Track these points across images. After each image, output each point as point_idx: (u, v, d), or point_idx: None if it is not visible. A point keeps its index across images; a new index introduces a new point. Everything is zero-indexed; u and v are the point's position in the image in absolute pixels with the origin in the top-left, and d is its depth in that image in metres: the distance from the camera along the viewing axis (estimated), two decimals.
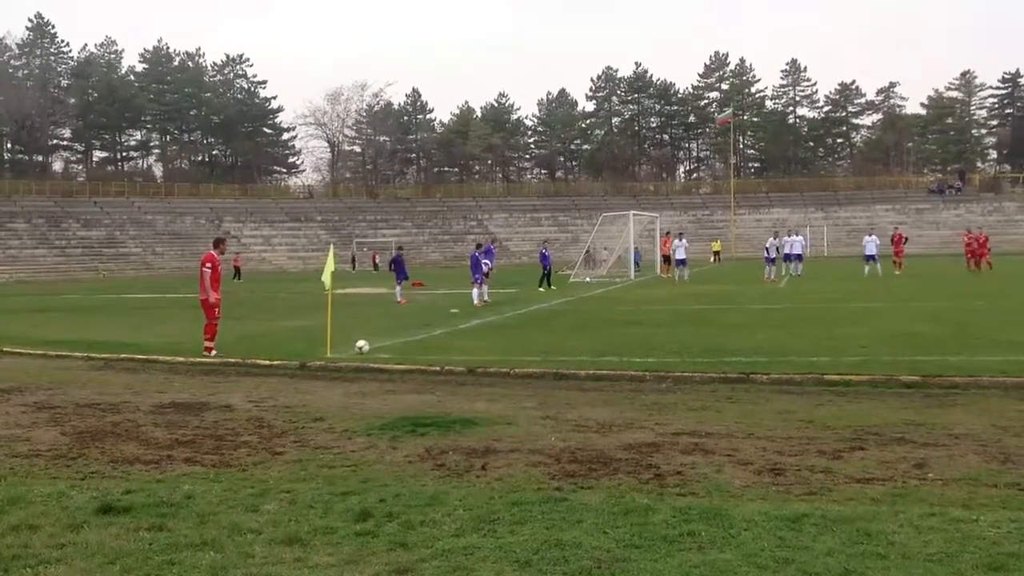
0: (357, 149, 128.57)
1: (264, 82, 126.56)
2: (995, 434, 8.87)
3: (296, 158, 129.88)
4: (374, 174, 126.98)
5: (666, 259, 47.18)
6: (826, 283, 36.19)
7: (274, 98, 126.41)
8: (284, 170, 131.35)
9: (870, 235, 42.68)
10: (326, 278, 17.02)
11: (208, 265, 17.11)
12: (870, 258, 40.89)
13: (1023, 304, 23.34)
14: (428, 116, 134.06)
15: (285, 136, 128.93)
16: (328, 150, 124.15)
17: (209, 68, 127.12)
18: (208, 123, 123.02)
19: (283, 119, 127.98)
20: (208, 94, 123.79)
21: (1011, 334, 16.57)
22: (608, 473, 7.67)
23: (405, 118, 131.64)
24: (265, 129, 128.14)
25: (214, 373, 14.85)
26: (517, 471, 7.79)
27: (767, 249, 41.97)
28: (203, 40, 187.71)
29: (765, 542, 5.68)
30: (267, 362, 15.60)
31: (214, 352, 16.56)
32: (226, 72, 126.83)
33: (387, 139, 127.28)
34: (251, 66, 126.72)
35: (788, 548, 5.56)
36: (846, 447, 8.41)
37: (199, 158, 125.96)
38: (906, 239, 44.95)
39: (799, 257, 44.20)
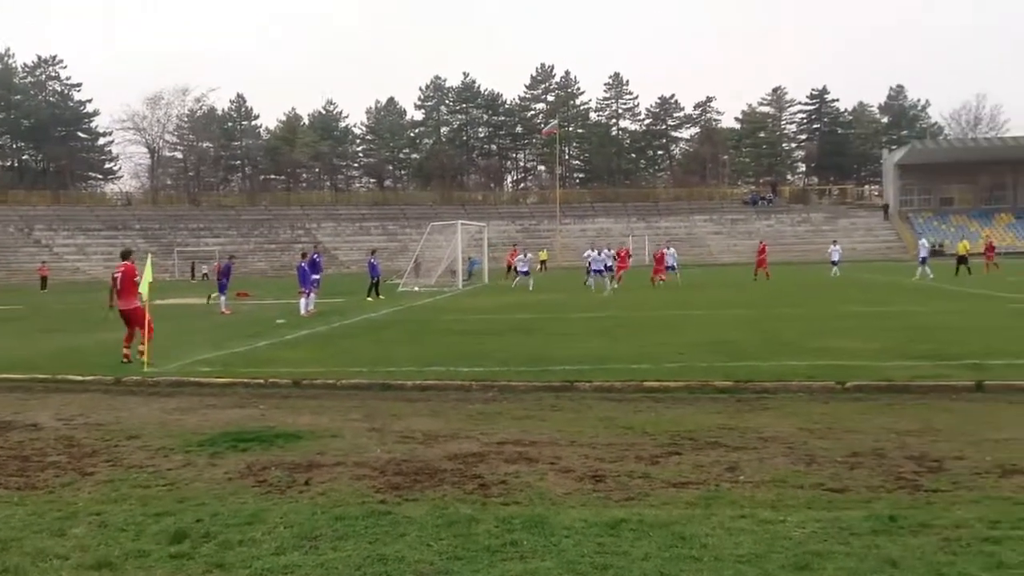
0: (178, 155, 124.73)
1: (79, 85, 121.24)
2: (802, 437, 9.31)
3: (113, 164, 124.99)
4: (196, 181, 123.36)
5: (511, 268, 49.39)
6: (649, 292, 37.23)
7: (89, 101, 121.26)
8: (100, 176, 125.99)
9: (669, 248, 45.16)
10: (144, 289, 16.44)
11: (137, 277, 16.89)
12: (670, 268, 43.65)
13: (828, 311, 24.58)
14: (253, 122, 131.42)
15: (101, 141, 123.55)
16: (148, 156, 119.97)
17: (19, 69, 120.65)
18: (17, 127, 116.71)
19: (99, 123, 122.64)
20: (18, 96, 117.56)
21: (817, 340, 17.44)
22: (433, 484, 7.68)
23: (229, 124, 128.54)
24: (80, 134, 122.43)
25: (20, 389, 14.10)
26: (341, 485, 7.71)
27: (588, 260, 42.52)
28: (12, 40, 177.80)
29: (585, 549, 5.80)
30: (79, 377, 14.91)
31: (137, 359, 16.13)
32: (38, 74, 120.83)
33: (210, 145, 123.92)
34: (64, 68, 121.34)
35: (607, 554, 5.70)
36: (663, 452, 8.68)
37: (8, 163, 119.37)
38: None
39: (611, 268, 44.25)
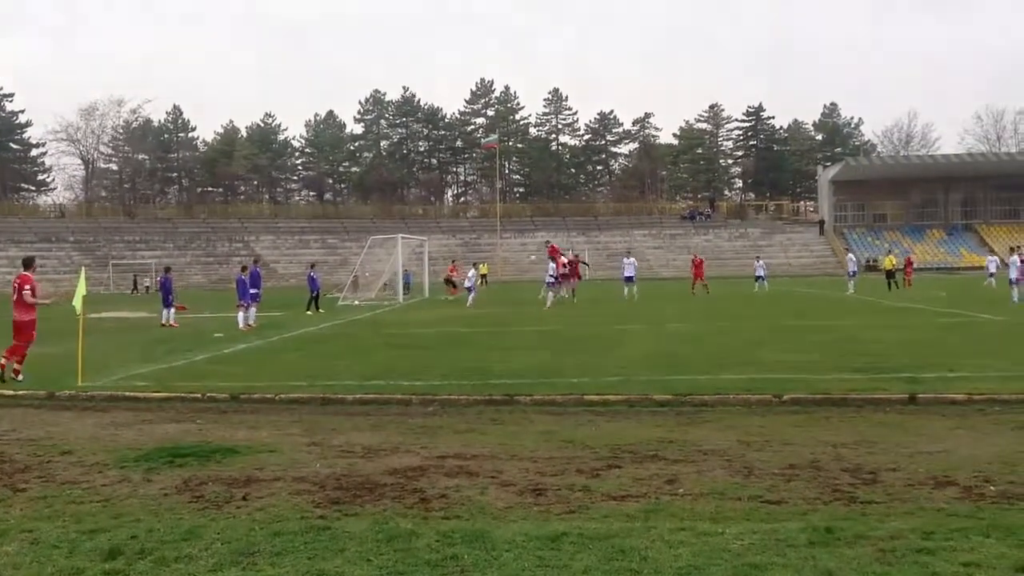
0: (114, 167, 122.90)
1: (11, 95, 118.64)
2: (740, 449, 9.40)
3: (46, 175, 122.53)
4: (132, 193, 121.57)
5: (449, 282, 49.73)
6: (589, 305, 37.40)
7: (22, 112, 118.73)
8: (33, 188, 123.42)
9: (628, 257, 44.84)
10: (77, 302, 16.15)
11: (28, 287, 16.54)
12: (628, 279, 42.72)
13: (766, 325, 24.90)
14: (190, 134, 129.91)
15: (34, 152, 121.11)
16: (82, 167, 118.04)
17: None
18: None
19: (32, 134, 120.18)
20: None
21: (754, 353, 17.66)
22: (373, 499, 7.62)
23: (165, 136, 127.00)
24: (12, 144, 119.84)
25: None
26: (280, 500, 7.62)
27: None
28: None
29: (526, 562, 5.79)
30: (10, 392, 14.59)
31: (21, 376, 15.88)
32: None
33: (146, 157, 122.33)
34: None
35: (547, 567, 5.70)
36: (604, 465, 8.70)
37: None
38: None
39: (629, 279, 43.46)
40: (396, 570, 5.70)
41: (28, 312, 16.61)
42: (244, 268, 30.53)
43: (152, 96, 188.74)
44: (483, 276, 73.56)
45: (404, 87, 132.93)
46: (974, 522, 6.56)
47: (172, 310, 30.60)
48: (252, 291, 29.22)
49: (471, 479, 8.26)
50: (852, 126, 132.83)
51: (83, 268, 19.87)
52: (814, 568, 5.62)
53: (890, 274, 48.22)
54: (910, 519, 6.71)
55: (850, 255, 50.49)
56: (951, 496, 7.42)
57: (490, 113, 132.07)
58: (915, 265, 52.10)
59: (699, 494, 7.61)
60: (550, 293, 37.99)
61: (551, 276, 38.53)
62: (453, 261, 55.71)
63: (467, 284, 42.72)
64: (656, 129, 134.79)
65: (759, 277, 50.97)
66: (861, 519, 6.76)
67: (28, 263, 17.52)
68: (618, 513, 7.06)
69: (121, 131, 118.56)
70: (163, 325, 29.20)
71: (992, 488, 7.63)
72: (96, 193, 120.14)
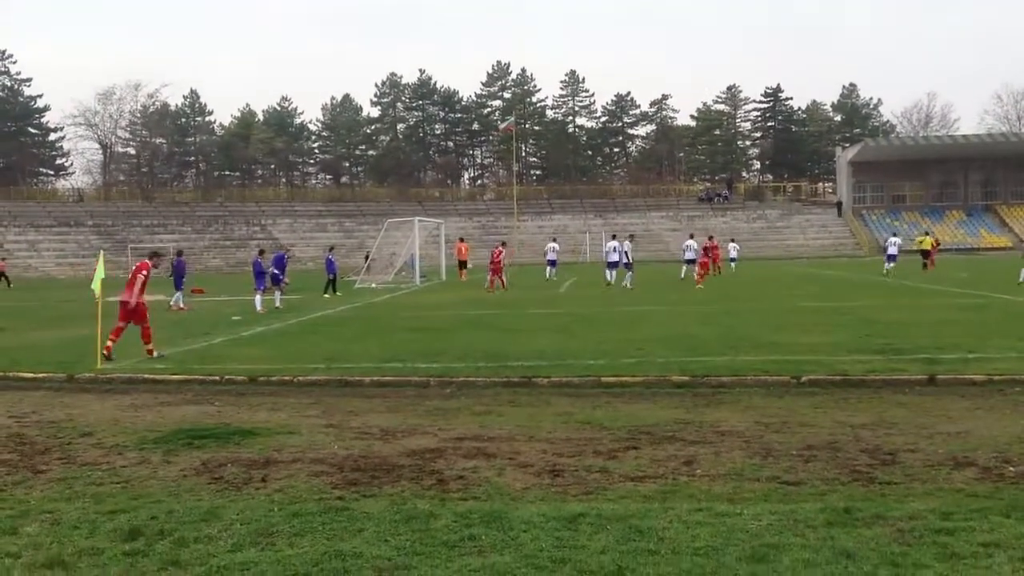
0: (131, 151, 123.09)
1: (29, 80, 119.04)
2: (758, 430, 9.39)
3: (65, 160, 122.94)
4: (150, 177, 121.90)
5: (462, 264, 49.13)
6: (604, 288, 37.32)
7: (40, 96, 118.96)
8: (52, 172, 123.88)
9: (612, 240, 44.63)
10: (96, 285, 16.23)
11: (144, 273, 17.27)
12: (613, 265, 42.68)
13: (784, 306, 24.82)
14: (207, 118, 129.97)
15: (52, 137, 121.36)
16: (100, 152, 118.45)
17: None
18: None
19: (50, 119, 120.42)
20: None
21: (772, 335, 17.60)
22: (391, 480, 7.65)
23: (183, 120, 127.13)
24: (30, 129, 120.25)
25: None
26: (298, 482, 7.66)
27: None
28: None
29: (543, 543, 5.80)
30: (31, 375, 14.70)
31: (156, 353, 16.54)
32: None
33: (163, 141, 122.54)
34: (14, 63, 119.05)
35: (565, 548, 5.71)
36: (621, 447, 8.71)
37: None
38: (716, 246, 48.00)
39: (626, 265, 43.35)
40: (414, 550, 5.73)
41: (138, 296, 17.02)
42: (262, 252, 30.64)
43: (169, 80, 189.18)
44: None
45: (420, 70, 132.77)
46: (993, 502, 6.54)
47: (180, 294, 30.63)
48: (276, 273, 29.59)
49: (488, 460, 8.28)
50: (871, 107, 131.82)
51: (101, 252, 20.00)
52: (832, 548, 5.61)
53: (926, 254, 47.87)
54: (929, 500, 6.69)
55: (894, 238, 49.35)
56: (970, 477, 7.39)
57: (507, 96, 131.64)
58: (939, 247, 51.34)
59: (717, 475, 7.61)
60: (629, 274, 37.10)
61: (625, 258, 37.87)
62: (461, 240, 54.59)
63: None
64: (673, 111, 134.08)
65: (733, 259, 50.94)
66: (880, 500, 6.74)
67: (153, 255, 19.07)
68: (636, 494, 7.07)
69: (139, 115, 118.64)
70: (171, 308, 29.17)
71: (1011, 469, 7.60)
72: (114, 177, 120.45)
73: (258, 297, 27.94)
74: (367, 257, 51.80)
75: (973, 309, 22.87)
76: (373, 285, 43.69)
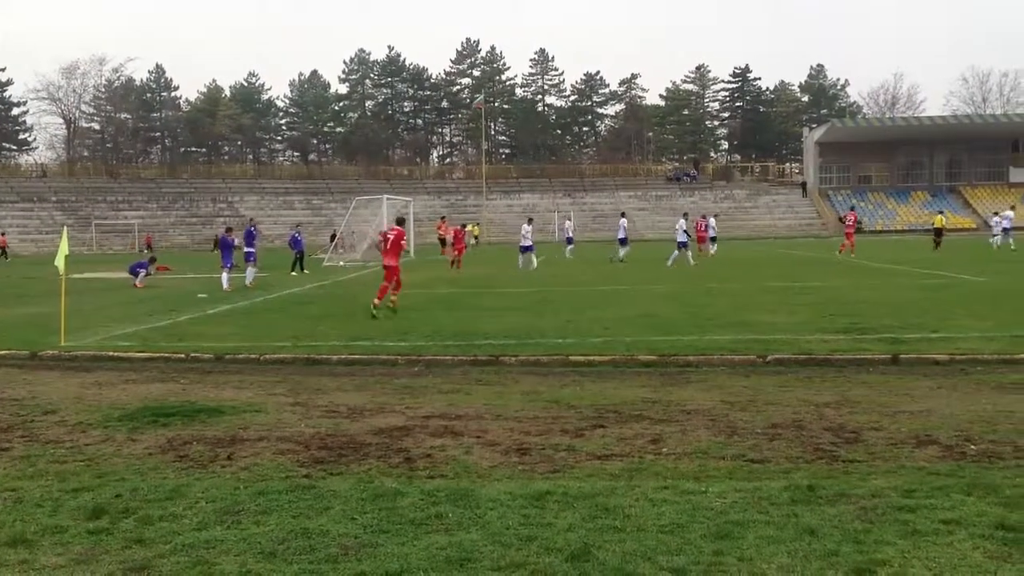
0: (96, 126, 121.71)
1: None
2: (724, 409, 9.46)
3: (28, 135, 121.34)
4: (115, 153, 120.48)
5: (443, 242, 49.06)
6: (575, 267, 37.41)
7: (2, 70, 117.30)
8: (14, 147, 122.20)
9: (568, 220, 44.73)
10: (60, 262, 16.07)
11: (403, 240, 20.26)
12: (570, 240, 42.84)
13: (749, 287, 24.96)
14: (173, 94, 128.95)
15: (15, 111, 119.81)
16: (64, 127, 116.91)
17: None
18: None
19: (12, 93, 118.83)
20: None
21: (739, 315, 17.71)
22: (358, 459, 7.64)
23: (148, 95, 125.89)
24: None
25: None
26: (264, 460, 7.63)
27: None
28: None
29: (510, 521, 5.82)
30: None
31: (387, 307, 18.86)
32: None
33: (128, 117, 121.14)
34: None
35: (531, 525, 5.73)
36: (588, 425, 8.74)
37: None
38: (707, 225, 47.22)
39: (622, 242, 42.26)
40: (380, 528, 5.73)
41: (395, 259, 19.35)
42: (229, 229, 30.41)
43: (134, 55, 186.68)
44: (476, 237, 73.50)
45: (389, 47, 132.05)
46: (955, 480, 6.63)
47: (145, 272, 30.45)
48: (247, 250, 29.47)
49: (456, 439, 8.28)
50: (838, 88, 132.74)
51: (65, 228, 19.75)
52: (796, 526, 5.66)
53: (939, 232, 48.05)
54: (891, 477, 6.77)
55: (1007, 213, 47.76)
56: (932, 455, 7.48)
57: (476, 74, 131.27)
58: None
59: (683, 453, 7.66)
60: (680, 253, 37.04)
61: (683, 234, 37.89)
62: (442, 218, 54.96)
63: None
64: (643, 90, 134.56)
65: (681, 243, 49.16)
66: (843, 477, 6.81)
67: (401, 221, 21.29)
68: (602, 472, 7.10)
69: (103, 90, 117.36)
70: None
71: (973, 447, 7.70)
72: (78, 153, 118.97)
73: (225, 275, 27.74)
74: (333, 236, 51.56)
75: (937, 289, 23.10)
76: (341, 263, 43.52)
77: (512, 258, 42.50)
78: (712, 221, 47.49)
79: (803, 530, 5.59)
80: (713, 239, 46.85)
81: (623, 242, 40.80)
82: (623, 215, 45.51)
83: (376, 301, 18.73)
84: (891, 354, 12.51)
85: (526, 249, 37.14)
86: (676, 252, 37.25)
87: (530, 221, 40.25)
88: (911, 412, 9.16)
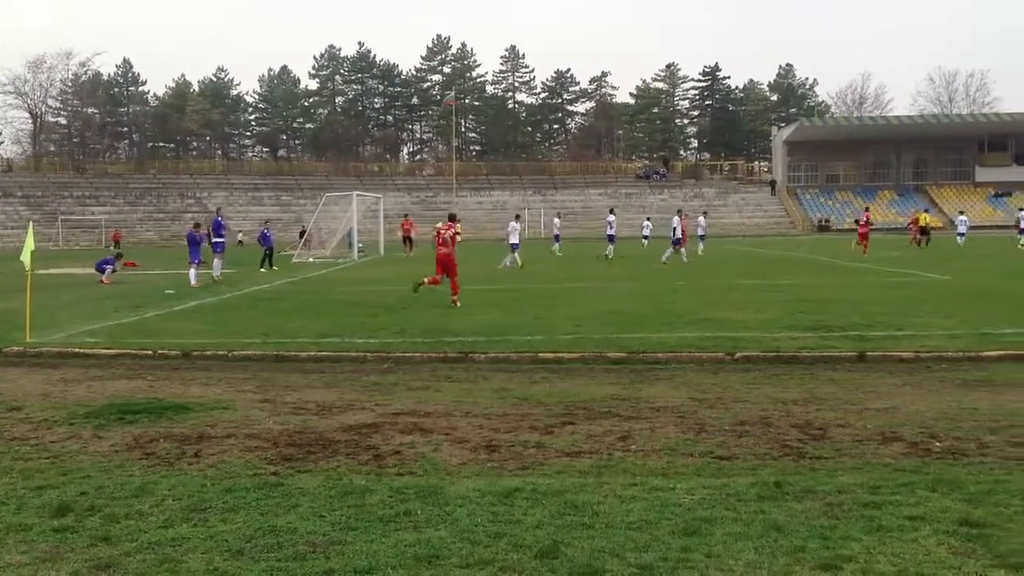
0: (63, 121, 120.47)
1: None
2: (692, 406, 9.50)
3: None
4: (82, 148, 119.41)
5: (406, 240, 48.85)
6: (546, 264, 37.42)
7: None
8: None
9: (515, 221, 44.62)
10: (25, 257, 15.88)
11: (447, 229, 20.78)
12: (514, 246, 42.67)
13: (719, 283, 25.08)
14: (141, 89, 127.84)
15: None
16: (30, 121, 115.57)
17: None
18: None
19: None
20: None
21: (707, 312, 17.79)
22: (326, 456, 7.61)
23: (116, 90, 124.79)
24: None
25: None
26: (232, 457, 7.59)
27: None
28: None
29: (479, 518, 5.82)
30: None
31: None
32: None
33: (96, 111, 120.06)
34: None
35: (500, 522, 5.74)
36: (557, 422, 8.75)
37: None
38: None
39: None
40: (349, 525, 5.71)
41: (450, 249, 20.30)
42: (197, 225, 30.20)
43: (102, 49, 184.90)
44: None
45: (359, 43, 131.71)
46: (920, 477, 6.69)
47: (112, 268, 30.31)
48: (216, 240, 29.42)
49: (425, 436, 8.27)
50: (807, 87, 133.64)
51: (31, 223, 19.56)
52: (763, 522, 5.70)
53: (923, 231, 48.77)
54: (857, 474, 6.82)
55: (963, 217, 49.03)
56: (898, 452, 7.55)
57: (447, 70, 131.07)
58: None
59: (651, 450, 7.69)
60: (672, 250, 37.05)
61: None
62: (406, 215, 54.70)
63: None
64: (613, 88, 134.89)
65: (646, 237, 49.72)
66: (810, 474, 6.86)
67: (453, 217, 22.10)
68: (571, 469, 7.11)
69: (70, 84, 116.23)
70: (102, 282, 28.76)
71: (937, 444, 7.78)
72: (45, 148, 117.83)
73: (192, 271, 27.56)
74: (303, 232, 51.32)
75: (903, 287, 23.31)
76: (311, 260, 43.33)
77: (483, 254, 42.49)
78: (702, 220, 47.69)
79: (770, 526, 5.63)
80: (702, 237, 46.80)
81: (611, 239, 42.39)
82: (611, 212, 46.88)
83: (426, 280, 20.48)
84: (858, 351, 12.61)
85: (515, 247, 36.10)
86: (670, 250, 37.33)
87: (517, 218, 39.38)
88: (877, 409, 9.24)
